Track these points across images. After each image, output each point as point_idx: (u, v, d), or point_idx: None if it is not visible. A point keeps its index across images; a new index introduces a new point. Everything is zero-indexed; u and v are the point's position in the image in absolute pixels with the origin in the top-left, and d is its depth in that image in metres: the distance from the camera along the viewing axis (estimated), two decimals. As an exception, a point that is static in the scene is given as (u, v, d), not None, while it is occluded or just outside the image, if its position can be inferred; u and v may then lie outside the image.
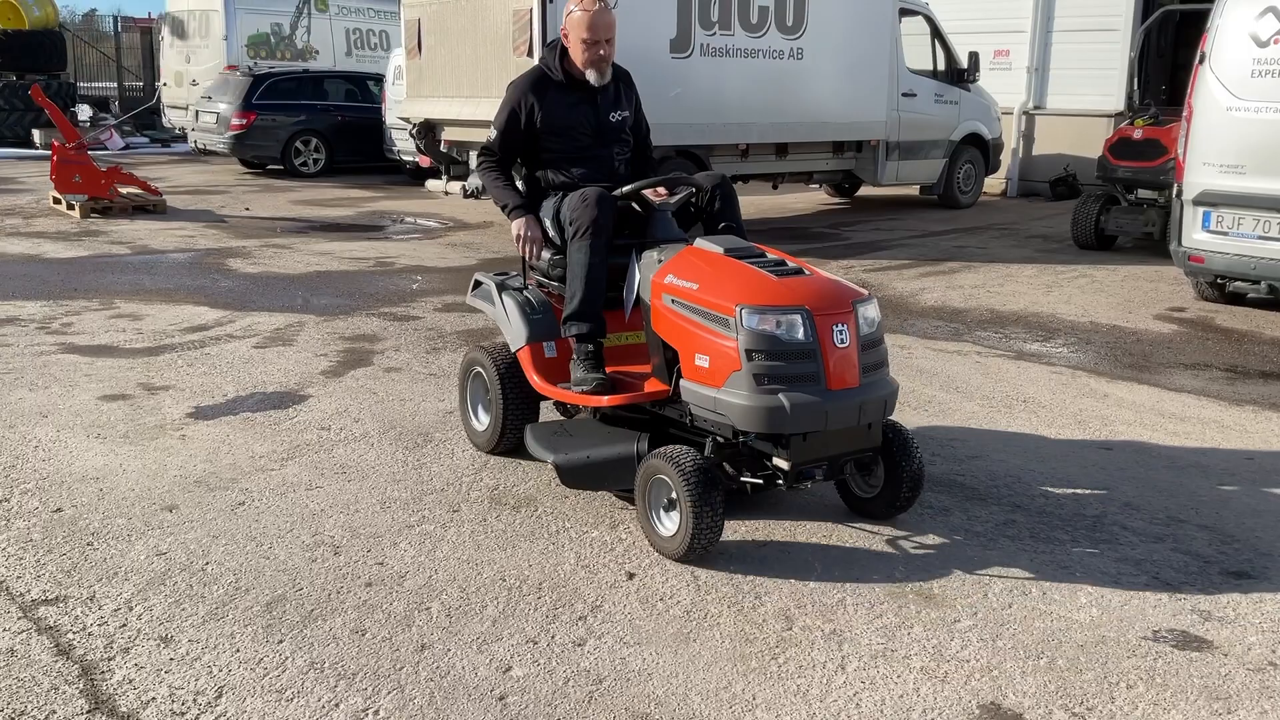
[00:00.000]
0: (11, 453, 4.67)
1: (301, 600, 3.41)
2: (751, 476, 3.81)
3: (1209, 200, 7.59)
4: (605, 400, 4.08)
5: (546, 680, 2.99)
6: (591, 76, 4.35)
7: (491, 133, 4.48)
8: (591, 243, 4.07)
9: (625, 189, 4.26)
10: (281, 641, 3.16)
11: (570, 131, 4.40)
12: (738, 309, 3.59)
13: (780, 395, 3.51)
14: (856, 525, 4.04)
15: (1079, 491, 4.44)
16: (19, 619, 3.27)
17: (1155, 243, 10.20)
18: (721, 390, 3.63)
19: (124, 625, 3.24)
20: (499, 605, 3.40)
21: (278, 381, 5.82)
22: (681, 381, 3.83)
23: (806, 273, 3.83)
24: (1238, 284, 7.93)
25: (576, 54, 4.33)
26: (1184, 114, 7.81)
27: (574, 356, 4.21)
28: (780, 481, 3.75)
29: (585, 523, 4.03)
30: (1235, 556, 3.86)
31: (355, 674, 3.00)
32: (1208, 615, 3.43)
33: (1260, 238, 7.34)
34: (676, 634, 3.25)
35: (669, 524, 3.72)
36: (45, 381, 5.73)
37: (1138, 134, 10.25)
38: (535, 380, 4.33)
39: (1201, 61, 7.67)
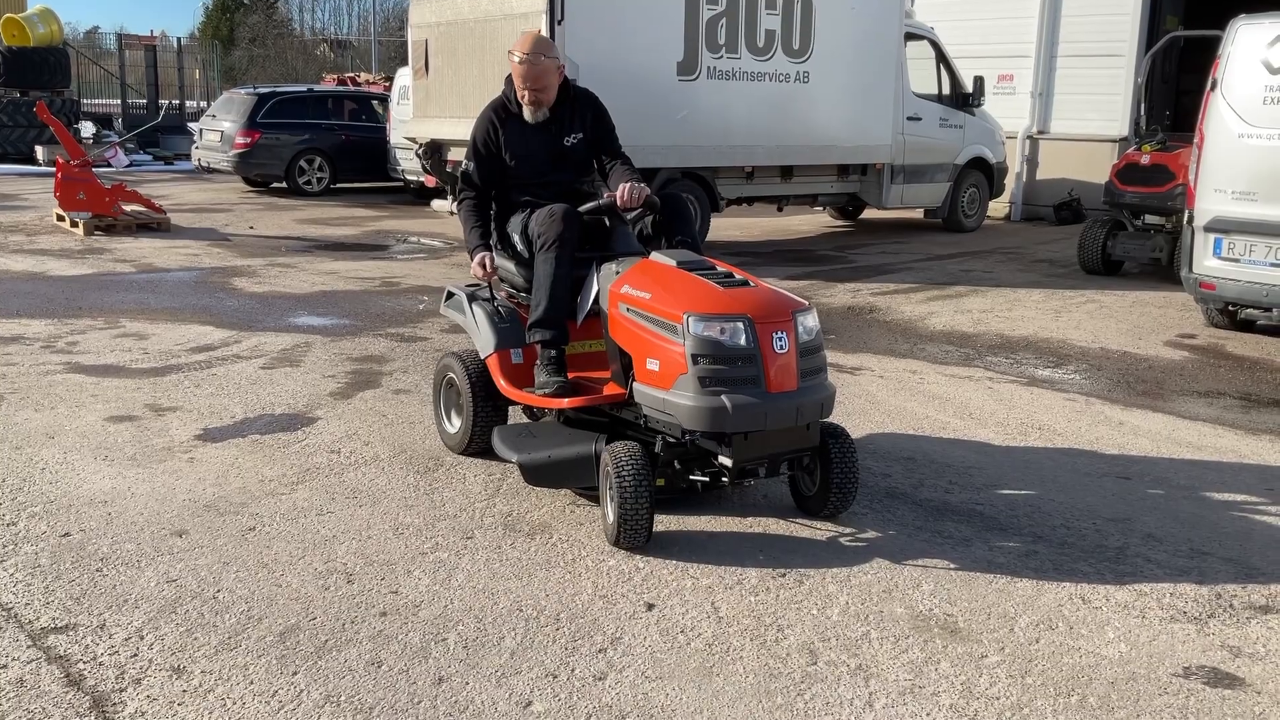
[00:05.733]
0: (18, 475, 4.61)
1: (315, 630, 3.35)
2: (700, 474, 4.10)
3: (1220, 227, 7.56)
4: (565, 403, 4.37)
5: (568, 716, 2.93)
6: (527, 113, 4.70)
7: (469, 164, 4.77)
8: (557, 255, 4.37)
9: (589, 205, 4.55)
10: (296, 673, 3.10)
11: (530, 157, 4.71)
12: (685, 316, 3.84)
13: (723, 397, 3.76)
14: (878, 556, 3.99)
15: (1100, 522, 4.39)
16: (28, 647, 3.20)
17: (1162, 268, 10.19)
18: (670, 392, 3.88)
19: (135, 655, 3.18)
20: (517, 637, 3.34)
21: (286, 403, 5.77)
22: (634, 384, 4.07)
23: (751, 284, 4.08)
24: (1249, 311, 7.90)
25: (518, 92, 4.68)
26: (1195, 140, 7.79)
27: (538, 362, 4.49)
28: (724, 479, 4.04)
29: (602, 551, 3.97)
30: (1261, 590, 3.80)
31: (372, 708, 2.93)
32: (1238, 651, 3.37)
33: (1272, 265, 7.30)
34: (699, 668, 3.18)
35: (611, 512, 3.97)
36: (51, 402, 5.67)
37: (1145, 159, 10.24)
38: (502, 384, 4.60)
39: (1213, 88, 7.65)
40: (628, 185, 4.48)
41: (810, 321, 4.01)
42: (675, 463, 4.12)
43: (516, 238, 4.73)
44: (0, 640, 3.23)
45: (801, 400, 3.89)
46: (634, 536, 3.90)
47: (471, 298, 4.89)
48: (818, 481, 4.26)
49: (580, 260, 4.46)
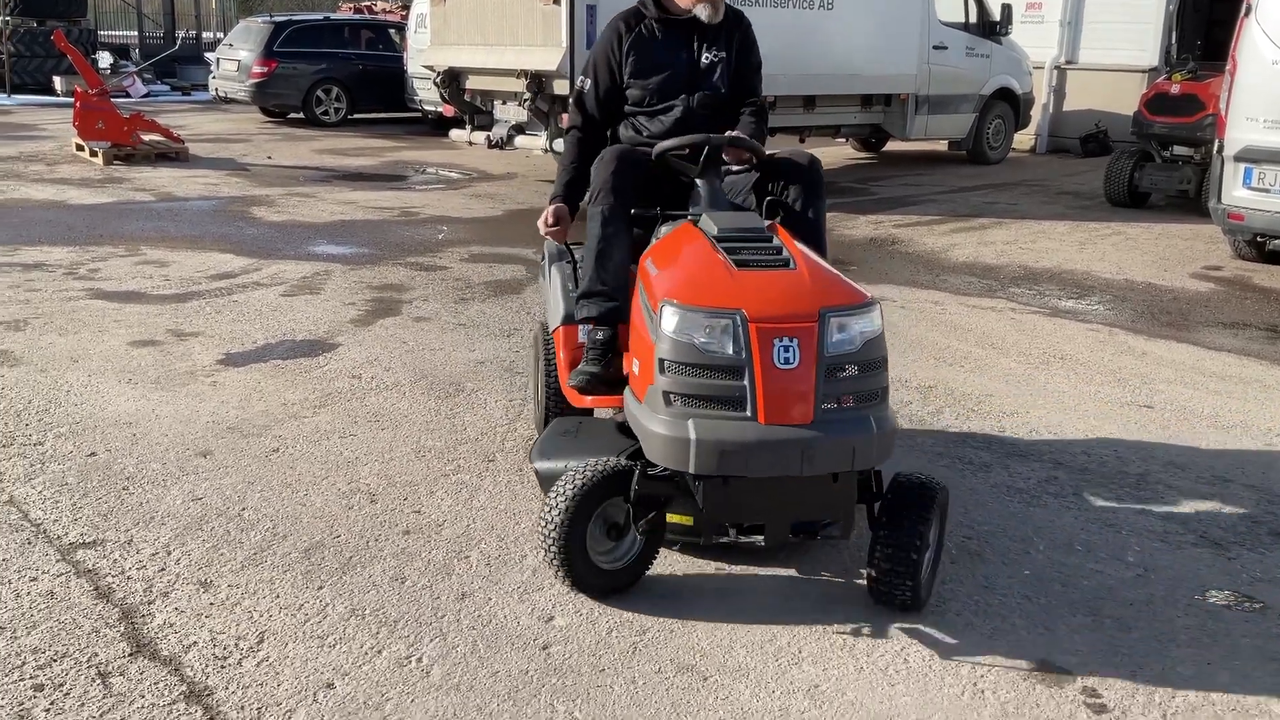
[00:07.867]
0: (45, 396, 4.65)
1: (340, 547, 3.39)
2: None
3: (1251, 157, 7.42)
4: (588, 400, 3.49)
5: (590, 630, 2.96)
6: (703, 12, 3.74)
7: (585, 81, 3.92)
8: (603, 208, 3.49)
9: (665, 144, 3.53)
10: (321, 588, 3.14)
11: (659, 73, 3.79)
12: (660, 305, 2.88)
13: (689, 422, 2.75)
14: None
15: (1121, 449, 4.37)
16: (58, 561, 3.25)
17: (1190, 200, 10.04)
18: (640, 406, 2.94)
19: (163, 569, 3.22)
20: (539, 555, 3.36)
21: (307, 330, 5.78)
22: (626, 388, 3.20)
23: (792, 267, 2.99)
24: (1277, 242, 7.80)
25: None
26: (1228, 68, 7.62)
27: (586, 343, 3.60)
28: (700, 537, 3.10)
29: (622, 474, 3.98)
30: (1284, 517, 3.80)
31: (397, 621, 2.98)
32: (1258, 576, 3.37)
33: (1303, 195, 7.18)
34: (719, 588, 3.21)
35: None
36: (75, 327, 5.70)
37: (1175, 89, 10.04)
38: (560, 364, 3.72)
39: (1247, 13, 7.47)
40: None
41: (857, 325, 2.88)
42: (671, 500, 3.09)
43: None
44: (30, 555, 3.29)
45: (813, 438, 2.72)
46: (566, 573, 3.06)
47: (555, 257, 3.97)
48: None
49: (648, 219, 3.55)
